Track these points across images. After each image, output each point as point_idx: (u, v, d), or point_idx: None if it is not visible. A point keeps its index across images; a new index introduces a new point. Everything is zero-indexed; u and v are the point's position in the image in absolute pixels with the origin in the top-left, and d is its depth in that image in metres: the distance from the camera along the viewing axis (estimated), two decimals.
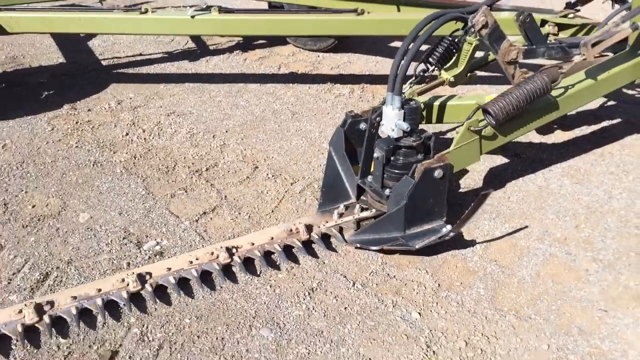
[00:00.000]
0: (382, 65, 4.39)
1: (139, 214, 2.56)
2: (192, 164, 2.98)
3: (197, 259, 2.20)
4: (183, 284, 2.15)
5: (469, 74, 2.91)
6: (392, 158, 2.36)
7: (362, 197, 2.50)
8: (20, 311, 1.94)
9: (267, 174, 2.90)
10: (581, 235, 2.50)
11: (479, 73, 3.20)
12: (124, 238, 2.41)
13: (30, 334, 1.92)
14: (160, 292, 2.11)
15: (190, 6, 3.49)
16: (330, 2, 3.86)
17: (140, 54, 4.49)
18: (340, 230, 2.42)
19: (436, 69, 2.71)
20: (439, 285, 2.21)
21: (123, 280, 2.08)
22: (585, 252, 2.39)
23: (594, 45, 2.38)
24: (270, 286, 2.17)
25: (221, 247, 2.23)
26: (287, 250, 2.32)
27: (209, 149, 3.13)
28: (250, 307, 2.08)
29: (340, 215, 2.43)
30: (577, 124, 3.41)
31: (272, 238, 2.32)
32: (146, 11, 3.37)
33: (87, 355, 1.87)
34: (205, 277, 2.18)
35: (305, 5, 3.98)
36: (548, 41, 2.93)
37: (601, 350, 1.94)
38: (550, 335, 1.99)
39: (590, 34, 2.91)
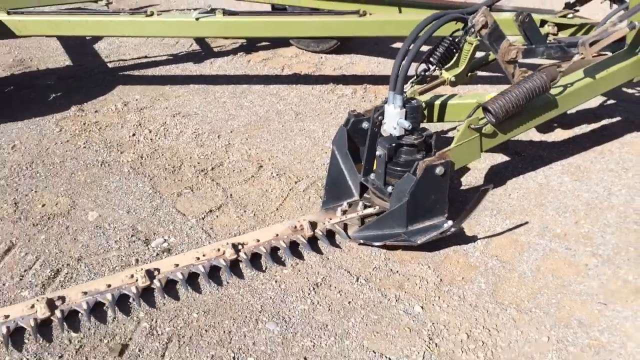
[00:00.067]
0: (384, 65, 4.44)
1: (147, 213, 2.62)
2: (198, 163, 3.03)
3: (204, 256, 2.25)
4: (191, 279, 2.20)
5: (469, 74, 2.95)
6: (394, 156, 2.40)
7: (365, 195, 2.55)
8: (33, 306, 1.99)
9: (272, 173, 2.95)
10: (581, 231, 2.54)
11: (480, 73, 3.24)
12: (132, 236, 2.46)
13: (43, 328, 1.97)
14: (169, 287, 2.16)
15: (195, 9, 3.55)
16: (332, 4, 3.91)
17: (146, 57, 4.56)
18: (344, 227, 2.47)
19: (437, 68, 2.76)
20: (441, 280, 2.25)
21: (132, 276, 2.13)
22: (585, 247, 2.43)
23: (591, 44, 2.43)
24: (276, 281, 2.22)
25: (227, 244, 2.28)
26: (292, 246, 2.37)
27: (214, 148, 3.18)
28: (257, 302, 2.12)
29: (344, 212, 2.48)
30: (577, 123, 3.45)
31: (277, 235, 2.37)
32: (152, 14, 3.43)
33: (98, 348, 1.92)
34: (212, 273, 2.23)
35: (307, 7, 4.03)
36: (547, 41, 2.97)
37: (600, 342, 1.98)
38: (550, 328, 2.03)
39: (589, 33, 2.95)
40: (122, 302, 2.08)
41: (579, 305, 2.14)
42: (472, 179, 2.92)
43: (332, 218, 2.47)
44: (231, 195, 2.77)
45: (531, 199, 2.75)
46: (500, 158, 3.10)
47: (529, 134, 3.28)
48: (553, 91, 2.54)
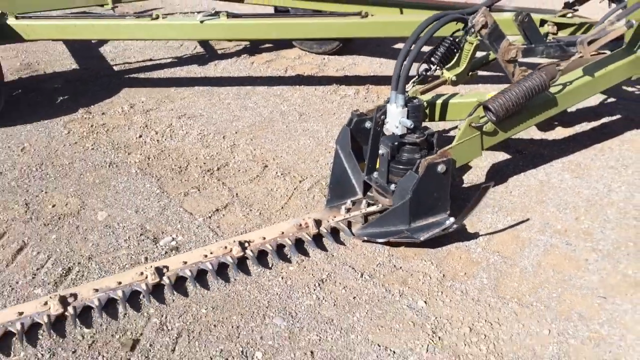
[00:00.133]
0: (386, 66, 4.50)
1: (155, 212, 2.67)
2: (204, 163, 3.08)
3: (211, 253, 2.30)
4: (199, 276, 2.25)
5: (470, 73, 3.01)
6: (396, 154, 2.45)
7: (369, 193, 2.59)
8: (46, 303, 2.05)
9: (277, 173, 3.00)
10: (581, 226, 2.58)
11: (480, 72, 3.29)
12: (141, 234, 2.51)
13: (56, 324, 2.02)
14: (178, 284, 2.21)
15: (198, 12, 3.61)
16: (335, 6, 3.96)
17: (151, 59, 4.62)
18: (348, 224, 2.51)
19: (438, 68, 2.80)
20: (443, 275, 2.30)
21: (142, 273, 2.19)
22: (585, 243, 2.48)
23: (590, 43, 2.47)
24: (282, 278, 2.27)
25: (234, 242, 2.33)
26: (298, 243, 2.42)
27: (220, 149, 3.24)
28: (264, 298, 2.17)
29: (348, 210, 2.53)
30: (577, 121, 3.50)
31: (283, 232, 2.42)
32: (157, 17, 3.49)
33: (110, 343, 1.97)
34: (220, 270, 2.28)
35: (310, 9, 4.09)
36: (547, 40, 3.02)
37: (600, 334, 2.03)
38: (551, 321, 2.08)
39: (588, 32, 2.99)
40: (132, 299, 2.14)
41: (579, 299, 2.18)
42: (473, 176, 2.96)
43: (336, 216, 2.51)
44: (237, 194, 2.82)
45: (532, 196, 2.80)
46: (502, 156, 3.14)
47: (530, 132, 3.32)
48: (552, 89, 2.59)
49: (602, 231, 2.55)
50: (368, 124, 2.58)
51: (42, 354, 1.93)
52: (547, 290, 2.22)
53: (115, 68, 4.45)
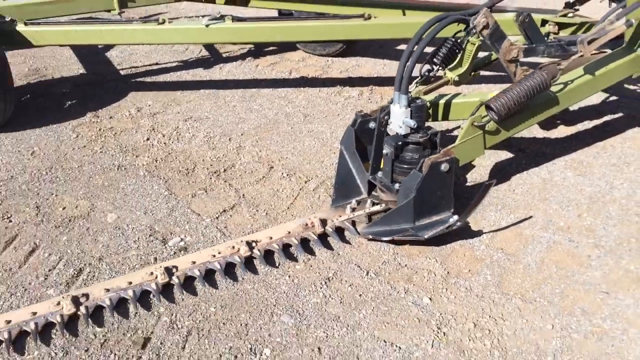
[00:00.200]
0: (389, 67, 4.54)
1: (163, 213, 2.72)
2: (211, 165, 3.13)
3: (219, 253, 2.35)
4: (207, 276, 2.29)
5: (472, 73, 3.04)
6: (400, 154, 2.49)
7: (373, 192, 2.63)
8: (59, 303, 2.09)
9: (282, 174, 3.04)
10: (584, 223, 2.61)
11: (482, 72, 3.33)
12: (150, 235, 2.56)
13: (69, 323, 2.07)
14: (187, 283, 2.25)
15: (203, 16, 3.66)
16: (338, 8, 4.01)
17: (157, 63, 4.67)
18: (353, 223, 2.55)
19: (441, 69, 2.84)
20: (448, 272, 2.33)
21: (152, 273, 2.23)
22: (588, 239, 2.51)
23: (590, 42, 2.50)
24: (289, 276, 2.31)
25: (242, 242, 2.38)
26: (304, 243, 2.46)
27: (226, 151, 3.28)
28: (271, 296, 2.21)
29: (353, 209, 2.57)
30: (579, 119, 3.53)
31: (289, 232, 2.46)
32: (163, 22, 3.54)
33: (121, 342, 2.02)
34: (228, 270, 2.32)
35: (314, 11, 4.13)
36: (548, 39, 3.05)
37: (603, 328, 2.06)
38: (554, 316, 2.11)
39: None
40: (143, 298, 2.18)
41: (582, 294, 2.21)
42: (477, 175, 3.00)
43: (341, 215, 2.55)
44: (244, 195, 2.87)
45: (535, 193, 2.83)
46: (505, 155, 3.17)
47: (532, 131, 3.36)
48: (554, 88, 2.62)
49: (605, 228, 2.58)
50: (372, 125, 2.62)
51: (55, 353, 1.97)
52: (550, 286, 2.25)
53: (122, 72, 4.51)
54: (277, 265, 2.37)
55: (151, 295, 2.19)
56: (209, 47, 4.98)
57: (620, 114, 3.60)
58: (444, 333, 2.05)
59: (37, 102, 3.96)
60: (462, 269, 2.35)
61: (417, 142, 2.47)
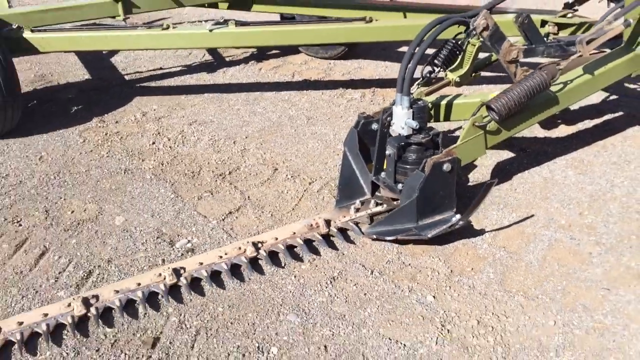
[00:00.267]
0: (391, 69, 4.58)
1: (170, 216, 2.76)
2: (216, 168, 3.18)
3: (226, 254, 2.39)
4: (215, 276, 2.33)
5: (473, 74, 3.08)
6: (403, 154, 2.53)
7: (377, 193, 2.67)
8: (69, 304, 2.13)
9: (287, 175, 3.09)
10: (585, 221, 2.64)
11: (483, 73, 3.36)
12: (157, 237, 2.60)
13: (79, 324, 2.11)
14: (194, 284, 2.29)
15: (206, 20, 3.72)
16: (339, 12, 4.06)
17: (161, 68, 4.73)
18: (357, 223, 2.59)
19: (442, 70, 2.88)
20: (451, 271, 2.37)
21: (160, 274, 2.27)
22: (589, 237, 2.54)
23: (588, 42, 2.54)
24: (295, 276, 2.35)
25: (248, 242, 2.42)
26: (309, 243, 2.49)
27: (231, 154, 3.33)
28: (277, 296, 2.25)
29: (357, 210, 2.61)
30: (580, 118, 3.56)
31: (294, 233, 2.50)
32: (168, 27, 3.59)
33: (131, 342, 2.06)
34: (235, 270, 2.36)
35: (315, 15, 4.18)
36: (548, 40, 3.08)
37: (604, 324, 2.09)
38: (556, 313, 2.14)
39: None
40: (151, 299, 2.22)
41: (583, 291, 2.25)
42: (479, 175, 3.03)
43: (345, 216, 2.59)
44: (249, 197, 2.91)
45: (536, 192, 2.86)
46: (506, 154, 3.21)
47: (534, 130, 3.39)
48: (553, 88, 2.66)
49: (606, 225, 2.61)
50: (375, 126, 2.66)
51: (67, 353, 2.01)
52: (552, 283, 2.29)
53: (127, 77, 4.56)
54: (282, 265, 2.41)
55: (160, 296, 2.23)
56: (212, 51, 5.03)
57: (620, 113, 3.63)
58: (448, 330, 2.08)
59: (44, 107, 4.01)
60: (465, 268, 2.38)
61: (419, 143, 2.51)
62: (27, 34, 3.50)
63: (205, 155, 3.31)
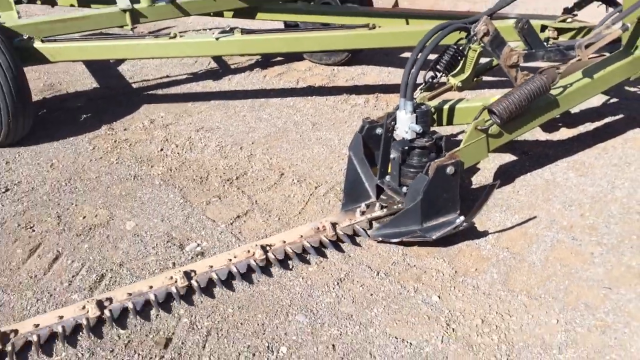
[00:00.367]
0: (394, 75, 4.64)
1: (179, 220, 2.82)
2: (224, 173, 3.24)
3: (235, 257, 2.44)
4: (224, 279, 2.38)
5: (475, 79, 3.14)
6: (407, 158, 2.59)
7: (382, 196, 2.73)
8: (84, 307, 2.19)
9: (293, 180, 3.14)
10: (586, 222, 2.69)
11: (485, 77, 3.42)
12: (167, 242, 2.66)
13: (94, 326, 2.17)
14: (205, 286, 2.35)
15: (211, 29, 3.79)
16: (343, 19, 4.12)
17: (168, 76, 4.80)
18: (364, 226, 2.64)
19: (444, 75, 2.93)
20: (455, 271, 2.42)
21: (171, 277, 2.33)
22: (590, 237, 2.59)
23: (587, 46, 2.59)
24: (303, 278, 2.40)
25: (256, 246, 2.47)
26: (316, 246, 2.54)
27: (238, 159, 3.39)
28: (286, 297, 2.31)
29: (362, 213, 2.66)
30: (580, 121, 3.61)
31: (302, 236, 2.55)
32: (175, 36, 3.66)
33: (144, 342, 2.11)
34: (244, 273, 2.41)
35: (319, 22, 4.25)
36: (548, 45, 3.14)
37: (606, 322, 2.14)
38: (559, 311, 2.19)
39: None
40: (163, 301, 2.27)
41: (585, 290, 2.29)
42: (482, 178, 3.09)
43: (351, 219, 2.65)
44: (256, 201, 2.97)
45: (538, 194, 2.91)
46: (508, 157, 3.26)
47: (535, 133, 3.45)
48: (553, 92, 2.71)
49: (607, 226, 2.66)
50: (379, 130, 2.71)
51: (82, 354, 2.07)
52: (555, 282, 2.33)
53: (134, 85, 4.63)
54: (290, 267, 2.46)
55: (171, 298, 2.29)
56: (217, 59, 5.11)
57: (620, 116, 3.68)
58: (453, 329, 2.13)
59: (53, 116, 4.08)
60: (469, 268, 2.43)
61: (423, 147, 2.56)
62: (37, 44, 3.58)
63: (213, 161, 3.38)
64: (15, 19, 3.80)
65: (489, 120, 2.61)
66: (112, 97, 4.39)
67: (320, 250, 2.54)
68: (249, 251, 2.46)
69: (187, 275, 2.35)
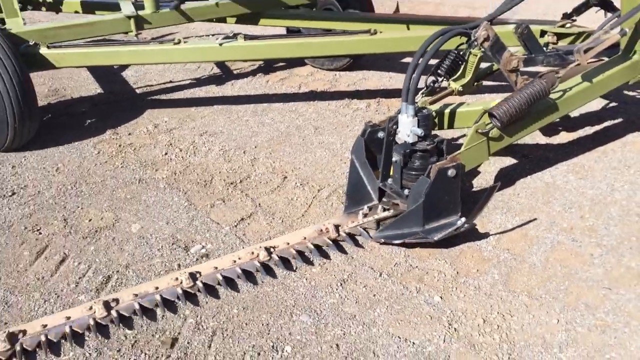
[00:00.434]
0: (395, 80, 4.69)
1: (184, 223, 2.85)
2: (227, 177, 3.28)
3: (239, 258, 2.48)
4: (229, 280, 2.41)
5: (475, 83, 3.18)
6: (409, 161, 2.62)
7: (384, 199, 2.76)
8: (91, 308, 2.22)
9: (296, 183, 3.18)
10: (586, 224, 2.72)
11: (485, 82, 3.46)
12: (172, 244, 2.70)
13: (101, 327, 2.20)
14: (210, 287, 2.38)
15: (213, 34, 3.84)
16: (344, 24, 4.17)
17: (171, 81, 4.85)
18: (365, 228, 2.68)
19: (445, 79, 2.98)
20: (457, 272, 2.45)
21: (177, 279, 2.36)
22: (590, 239, 2.62)
23: (586, 51, 2.63)
24: (306, 279, 2.44)
25: (260, 247, 2.50)
26: (319, 247, 2.58)
27: (241, 163, 3.43)
28: (290, 298, 2.34)
29: (365, 215, 2.69)
30: (580, 125, 3.65)
31: (305, 238, 2.59)
32: (179, 42, 3.71)
33: (151, 342, 2.14)
34: (248, 274, 2.44)
35: (321, 28, 4.30)
36: (547, 49, 3.18)
37: (606, 322, 2.16)
38: (559, 311, 2.22)
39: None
40: (169, 302, 2.30)
41: (585, 290, 2.32)
42: (482, 180, 3.12)
43: (354, 221, 2.68)
44: (260, 204, 3.00)
45: (539, 197, 2.95)
46: (509, 161, 3.30)
47: (535, 137, 3.48)
48: (553, 96, 2.75)
49: (606, 228, 2.69)
50: (381, 134, 2.75)
51: (89, 354, 2.09)
52: (555, 283, 2.36)
53: (138, 91, 4.68)
54: (294, 268, 2.49)
55: (177, 299, 2.32)
56: (220, 64, 5.16)
57: (620, 119, 3.72)
58: (455, 329, 2.16)
59: (58, 121, 4.12)
60: (470, 269, 2.46)
61: (424, 150, 2.60)
62: (43, 50, 3.63)
63: (217, 165, 3.41)
64: (21, 25, 3.85)
65: (490, 124, 2.64)
66: (116, 102, 4.44)
67: (323, 251, 2.57)
68: (253, 253, 2.49)
69: (193, 276, 2.38)
